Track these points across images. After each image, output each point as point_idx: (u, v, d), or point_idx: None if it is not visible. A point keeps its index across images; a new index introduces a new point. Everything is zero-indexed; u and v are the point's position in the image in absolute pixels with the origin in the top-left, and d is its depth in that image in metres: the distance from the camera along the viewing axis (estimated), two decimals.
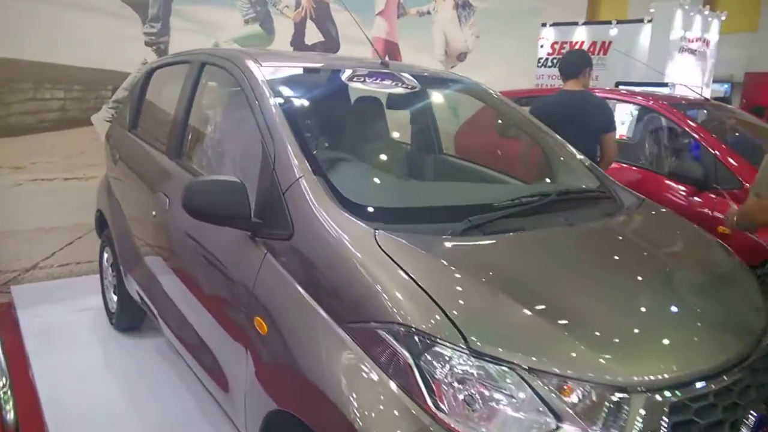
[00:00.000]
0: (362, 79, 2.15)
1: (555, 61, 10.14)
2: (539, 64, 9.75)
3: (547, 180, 2.46)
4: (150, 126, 3.03)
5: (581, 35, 10.36)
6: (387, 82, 2.18)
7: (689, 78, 9.35)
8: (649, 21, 9.43)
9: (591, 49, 10.24)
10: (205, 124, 2.42)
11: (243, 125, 2.08)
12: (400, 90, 2.22)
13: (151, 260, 2.60)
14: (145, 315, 3.43)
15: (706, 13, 9.02)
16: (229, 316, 1.93)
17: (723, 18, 9.37)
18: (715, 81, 11.22)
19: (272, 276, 1.67)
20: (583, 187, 2.28)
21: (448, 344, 1.27)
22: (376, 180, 2.04)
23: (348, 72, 2.20)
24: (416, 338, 1.29)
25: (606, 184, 2.31)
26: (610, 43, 9.95)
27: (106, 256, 3.55)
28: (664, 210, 2.28)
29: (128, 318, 3.38)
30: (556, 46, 10.52)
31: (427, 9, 5.77)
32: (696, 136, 4.00)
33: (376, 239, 1.50)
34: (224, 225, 1.80)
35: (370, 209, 1.65)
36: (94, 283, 3.84)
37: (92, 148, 4.25)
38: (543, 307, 1.39)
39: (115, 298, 3.40)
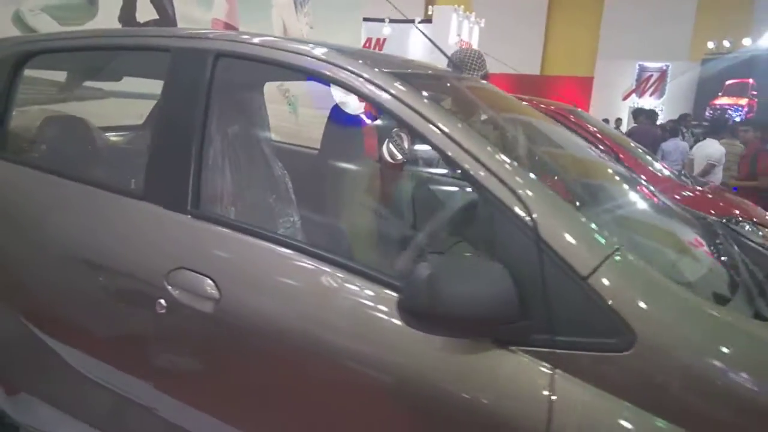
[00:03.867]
0: None
1: None
2: None
3: None
4: (59, 149, 1.82)
5: None
6: None
7: None
8: (420, 21, 9.97)
9: (366, 45, 10.41)
10: (253, 157, 1.48)
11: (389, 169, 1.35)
12: None
13: (140, 386, 1.49)
14: None
15: (472, 19, 9.92)
16: None
17: (482, 25, 10.45)
18: None
19: (594, 409, 1.08)
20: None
21: None
22: (663, 242, 1.50)
23: None
24: None
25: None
26: (384, 40, 10.24)
27: None
28: None
29: None
30: None
31: None
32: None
33: None
34: (477, 336, 1.14)
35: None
36: None
37: None
38: None
39: None
